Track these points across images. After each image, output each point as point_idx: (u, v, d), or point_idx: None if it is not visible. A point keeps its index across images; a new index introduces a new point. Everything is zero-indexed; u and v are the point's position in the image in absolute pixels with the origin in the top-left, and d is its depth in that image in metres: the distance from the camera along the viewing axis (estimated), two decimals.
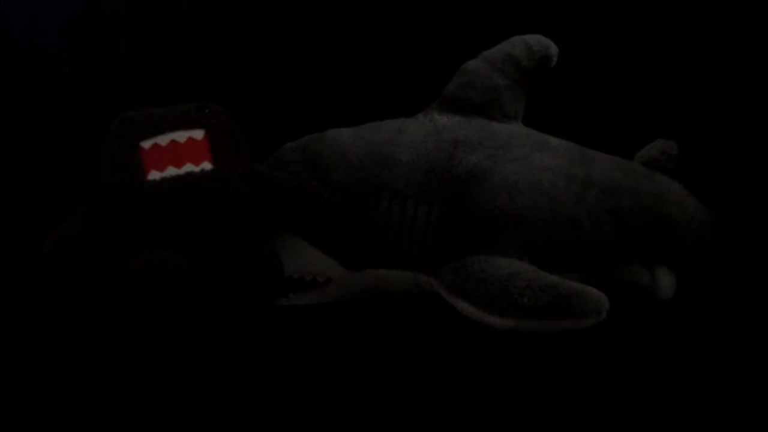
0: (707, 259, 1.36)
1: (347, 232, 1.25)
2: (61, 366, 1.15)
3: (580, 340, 1.18)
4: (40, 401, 1.06)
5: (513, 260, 1.22)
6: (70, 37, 1.60)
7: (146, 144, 1.22)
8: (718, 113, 1.55)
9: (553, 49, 1.36)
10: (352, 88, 1.58)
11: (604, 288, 1.19)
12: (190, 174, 1.20)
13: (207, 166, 1.21)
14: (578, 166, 1.30)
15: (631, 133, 1.47)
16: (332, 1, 1.61)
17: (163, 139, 1.22)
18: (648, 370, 1.20)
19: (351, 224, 1.25)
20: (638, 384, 1.17)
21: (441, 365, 1.20)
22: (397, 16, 1.61)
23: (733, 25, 1.54)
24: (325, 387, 1.12)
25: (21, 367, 1.15)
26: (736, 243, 1.39)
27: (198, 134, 1.23)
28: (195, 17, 1.62)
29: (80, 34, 1.61)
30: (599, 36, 1.58)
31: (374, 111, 1.40)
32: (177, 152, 1.22)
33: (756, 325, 1.30)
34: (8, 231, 1.53)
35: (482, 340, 1.20)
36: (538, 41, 1.36)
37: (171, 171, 1.20)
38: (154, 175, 1.20)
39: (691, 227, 1.34)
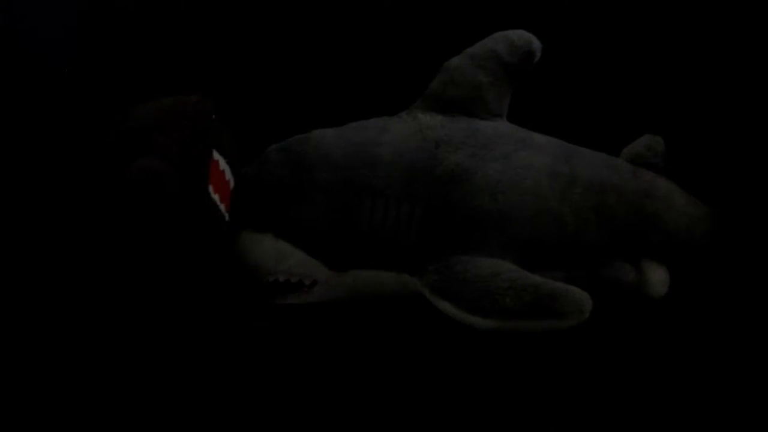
0: (701, 254, 1.33)
1: (331, 233, 1.25)
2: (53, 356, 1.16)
3: (565, 339, 1.17)
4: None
5: (496, 260, 1.21)
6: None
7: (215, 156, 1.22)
8: (709, 108, 1.53)
9: (536, 44, 1.35)
10: (350, 87, 1.59)
11: (591, 286, 1.18)
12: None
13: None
14: (562, 163, 1.28)
15: (620, 129, 1.45)
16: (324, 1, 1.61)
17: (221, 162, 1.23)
18: (636, 368, 1.20)
19: (334, 225, 1.25)
20: (625, 383, 1.16)
21: (425, 366, 1.20)
22: (394, 14, 1.60)
23: (721, 23, 1.52)
24: (310, 387, 1.13)
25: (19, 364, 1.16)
26: (731, 237, 1.36)
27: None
28: (193, 16, 1.62)
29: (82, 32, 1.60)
30: (589, 32, 1.56)
31: (367, 110, 1.39)
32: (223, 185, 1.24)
33: (751, 321, 1.28)
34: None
35: (466, 340, 1.19)
36: (521, 36, 1.35)
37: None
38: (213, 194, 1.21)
39: (680, 223, 1.31)
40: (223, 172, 1.24)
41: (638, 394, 1.14)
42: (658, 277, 1.32)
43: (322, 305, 1.29)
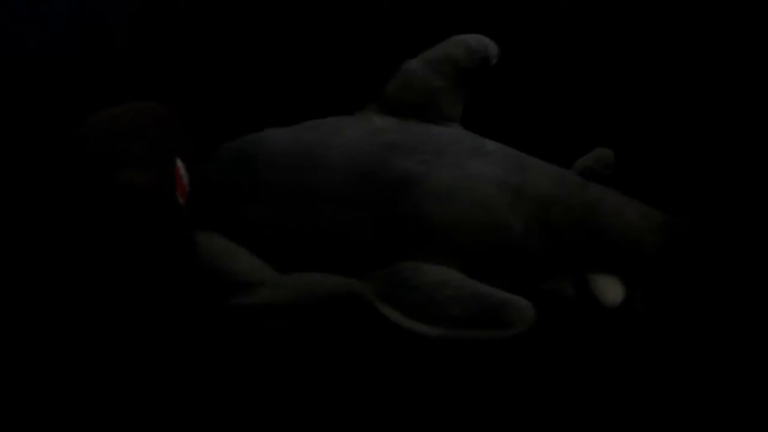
0: (653, 266, 1.33)
1: (277, 235, 1.24)
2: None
3: (507, 349, 1.18)
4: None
5: (443, 268, 1.20)
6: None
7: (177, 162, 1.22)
8: (667, 118, 1.53)
9: (493, 49, 1.34)
10: (346, 86, 1.56)
11: (533, 298, 1.18)
12: None
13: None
14: (513, 174, 1.27)
15: (584, 139, 1.45)
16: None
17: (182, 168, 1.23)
18: (578, 379, 1.21)
19: (281, 227, 1.24)
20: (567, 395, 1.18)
21: (371, 373, 1.19)
22: (393, 13, 1.59)
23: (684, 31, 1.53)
24: (246, 390, 1.13)
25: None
26: (684, 248, 1.35)
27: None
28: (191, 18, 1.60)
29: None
30: (549, 43, 1.56)
31: (332, 108, 1.38)
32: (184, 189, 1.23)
33: (707, 330, 1.29)
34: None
35: (413, 348, 1.19)
36: (478, 41, 1.34)
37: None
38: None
39: (627, 237, 1.30)
40: (183, 176, 1.24)
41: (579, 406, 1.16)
42: (606, 288, 1.31)
43: (266, 309, 1.27)
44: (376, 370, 1.20)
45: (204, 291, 1.26)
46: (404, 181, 1.23)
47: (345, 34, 1.57)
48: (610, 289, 1.31)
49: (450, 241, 1.22)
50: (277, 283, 1.25)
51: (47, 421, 1.11)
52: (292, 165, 1.25)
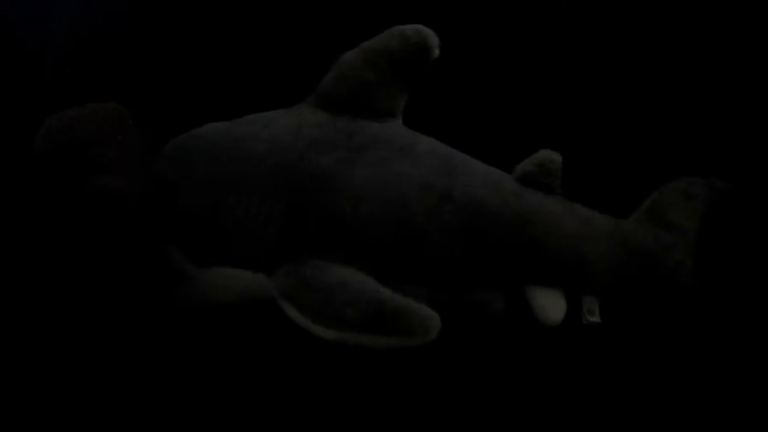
0: (599, 276, 1.25)
1: (196, 228, 1.22)
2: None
3: (413, 358, 1.13)
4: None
5: (348, 269, 1.15)
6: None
7: None
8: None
9: (432, 39, 1.25)
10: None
11: (454, 308, 1.14)
12: None
13: None
14: (440, 176, 1.21)
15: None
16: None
17: None
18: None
19: (200, 220, 1.22)
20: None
21: (272, 372, 1.17)
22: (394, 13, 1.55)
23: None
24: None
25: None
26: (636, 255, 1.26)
27: None
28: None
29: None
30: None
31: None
32: None
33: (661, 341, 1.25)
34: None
35: (314, 348, 1.16)
36: (416, 31, 1.26)
37: None
38: None
39: (567, 248, 1.22)
40: None
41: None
42: (546, 303, 1.23)
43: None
44: (285, 366, 1.18)
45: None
46: (317, 177, 1.19)
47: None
48: (551, 305, 1.24)
49: (359, 241, 1.17)
50: (195, 278, 1.23)
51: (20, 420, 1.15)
52: (220, 157, 1.23)
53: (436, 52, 1.26)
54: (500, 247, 1.20)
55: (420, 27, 1.26)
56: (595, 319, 1.26)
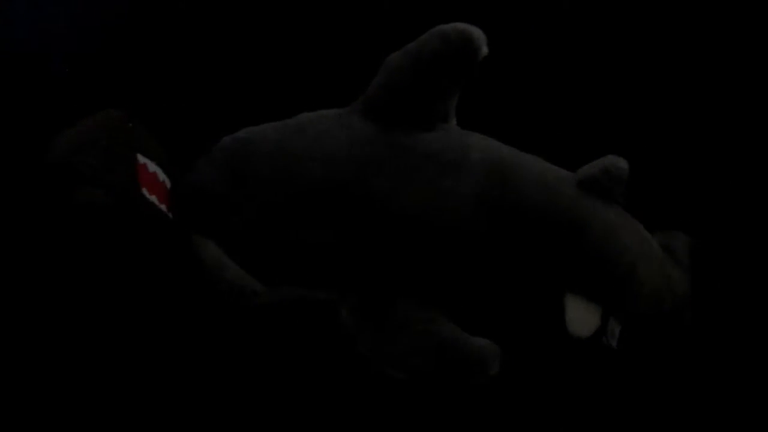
0: (645, 304, 1.25)
1: (259, 250, 1.18)
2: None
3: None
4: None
5: (410, 305, 1.17)
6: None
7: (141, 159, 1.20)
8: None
9: (477, 36, 1.16)
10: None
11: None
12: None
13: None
14: (493, 186, 1.16)
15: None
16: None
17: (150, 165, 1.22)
18: None
19: (263, 242, 1.18)
20: None
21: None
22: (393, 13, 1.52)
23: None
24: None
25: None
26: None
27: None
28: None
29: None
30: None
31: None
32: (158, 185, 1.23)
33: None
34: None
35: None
36: (457, 30, 1.16)
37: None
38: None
39: (622, 261, 1.20)
40: (154, 173, 1.20)
41: None
42: (579, 315, 1.23)
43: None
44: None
45: (201, 295, 1.26)
46: (373, 200, 1.14)
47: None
48: (584, 319, 1.24)
49: (415, 273, 1.16)
50: (264, 296, 1.21)
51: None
52: (277, 178, 1.17)
53: (485, 50, 1.18)
54: (552, 255, 1.18)
55: (462, 25, 1.17)
56: (614, 343, 1.27)
